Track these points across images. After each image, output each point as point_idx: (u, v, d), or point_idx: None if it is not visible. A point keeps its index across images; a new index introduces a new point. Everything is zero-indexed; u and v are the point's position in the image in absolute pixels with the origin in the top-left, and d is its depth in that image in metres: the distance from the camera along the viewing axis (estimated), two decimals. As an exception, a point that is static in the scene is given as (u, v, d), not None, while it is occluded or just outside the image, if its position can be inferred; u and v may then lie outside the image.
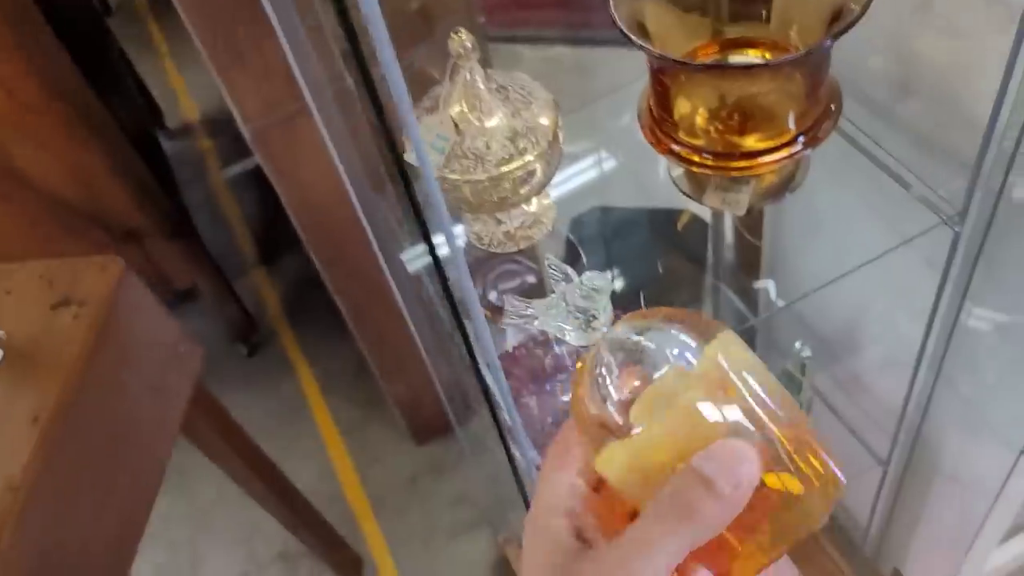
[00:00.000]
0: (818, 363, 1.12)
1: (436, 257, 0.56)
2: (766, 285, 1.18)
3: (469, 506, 1.69)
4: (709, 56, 0.75)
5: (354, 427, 1.86)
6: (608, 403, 0.33)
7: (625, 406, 0.33)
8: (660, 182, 0.87)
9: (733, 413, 0.31)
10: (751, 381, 0.33)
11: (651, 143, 0.76)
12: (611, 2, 0.66)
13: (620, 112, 0.86)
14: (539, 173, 0.72)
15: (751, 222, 1.15)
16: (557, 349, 0.99)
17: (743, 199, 0.76)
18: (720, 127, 0.73)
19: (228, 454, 1.18)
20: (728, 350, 0.33)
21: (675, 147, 0.74)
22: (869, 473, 1.16)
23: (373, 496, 1.75)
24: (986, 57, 0.71)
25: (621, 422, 0.32)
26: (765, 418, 0.32)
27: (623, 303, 1.07)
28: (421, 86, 0.75)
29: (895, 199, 0.80)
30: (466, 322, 0.61)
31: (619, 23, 0.65)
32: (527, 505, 0.77)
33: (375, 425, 1.85)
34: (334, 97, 0.87)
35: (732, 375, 0.32)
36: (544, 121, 0.70)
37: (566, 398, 1.06)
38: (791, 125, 0.69)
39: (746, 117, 0.70)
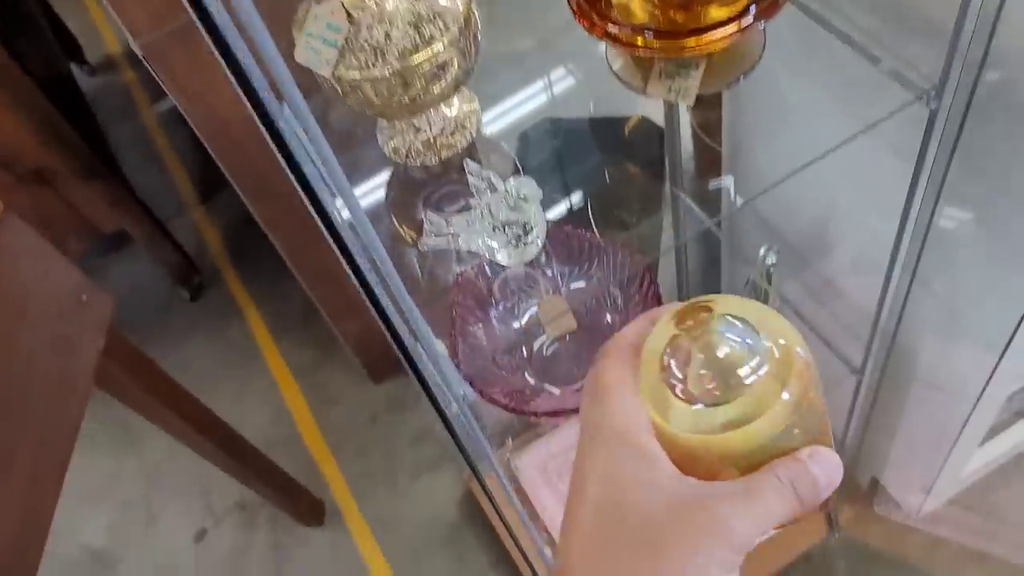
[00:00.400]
0: (786, 269, 1.04)
1: (330, 223, 0.48)
2: (724, 183, 1.09)
3: (432, 442, 1.62)
4: (645, -82, 0.65)
5: (308, 369, 1.78)
6: (673, 378, 0.34)
7: (685, 377, 0.34)
8: (615, 84, 0.77)
9: (801, 409, 0.33)
10: (809, 363, 0.35)
11: (585, 28, 0.66)
12: None
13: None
14: (454, 66, 0.61)
15: (707, 121, 1.06)
16: (492, 272, 0.90)
17: (692, 86, 0.66)
18: (661, 1, 0.63)
19: (157, 407, 1.09)
20: (781, 335, 0.35)
21: (613, 29, 0.64)
22: (844, 382, 1.10)
23: (332, 439, 1.68)
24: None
25: (684, 396, 0.33)
26: (823, 413, 0.34)
27: (575, 219, 0.97)
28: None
29: (863, 78, 0.71)
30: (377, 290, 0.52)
31: None
32: (460, 448, 0.69)
33: (329, 366, 1.76)
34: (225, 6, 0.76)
35: (788, 357, 0.34)
36: (453, 3, 0.60)
37: (516, 324, 0.98)
38: (742, -8, 0.59)
39: (690, -13, 0.61)
